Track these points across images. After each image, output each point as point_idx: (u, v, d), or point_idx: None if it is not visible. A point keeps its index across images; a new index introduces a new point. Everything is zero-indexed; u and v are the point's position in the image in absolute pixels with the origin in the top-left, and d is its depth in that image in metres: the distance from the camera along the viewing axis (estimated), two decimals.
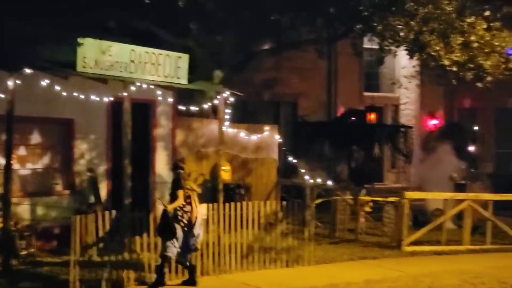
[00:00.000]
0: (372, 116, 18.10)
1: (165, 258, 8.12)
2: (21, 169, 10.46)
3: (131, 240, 8.51)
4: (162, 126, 11.88)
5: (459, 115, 19.53)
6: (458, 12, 11.86)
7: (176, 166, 8.54)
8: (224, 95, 11.32)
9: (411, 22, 11.41)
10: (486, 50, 12.01)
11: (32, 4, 9.80)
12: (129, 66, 10.16)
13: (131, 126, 10.09)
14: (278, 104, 17.42)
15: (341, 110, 17.66)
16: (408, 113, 19.02)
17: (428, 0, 11.47)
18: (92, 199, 10.63)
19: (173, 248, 8.10)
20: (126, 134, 9.91)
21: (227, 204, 9.33)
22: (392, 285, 8.69)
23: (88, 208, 10.12)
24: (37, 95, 10.05)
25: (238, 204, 9.39)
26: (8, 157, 9.01)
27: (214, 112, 12.20)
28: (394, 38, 11.89)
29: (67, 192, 10.73)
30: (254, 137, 13.27)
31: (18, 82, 9.05)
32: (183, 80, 11.07)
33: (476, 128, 19.59)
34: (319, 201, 12.36)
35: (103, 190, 10.93)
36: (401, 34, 11.53)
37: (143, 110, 11.54)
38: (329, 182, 13.45)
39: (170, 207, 8.13)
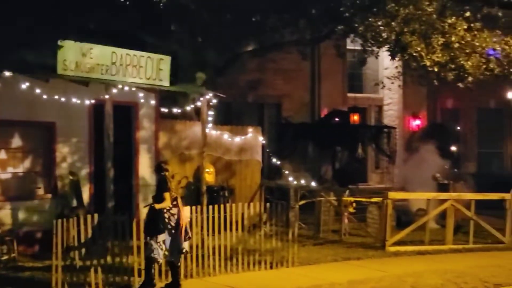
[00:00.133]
0: (355, 117, 18.17)
1: (151, 260, 8.08)
2: (2, 173, 10.34)
3: (114, 244, 8.46)
4: (145, 129, 11.82)
5: (442, 116, 19.67)
6: (439, 13, 11.94)
7: (160, 168, 8.47)
8: (207, 97, 11.31)
9: (392, 23, 11.48)
10: (467, 51, 12.10)
11: (11, 7, 9.68)
12: (111, 69, 10.11)
13: (114, 129, 10.04)
14: (262, 106, 17.42)
15: (325, 111, 17.70)
16: (391, 113, 19.11)
17: (409, 1, 11.53)
18: (74, 203, 10.55)
19: (159, 250, 8.07)
20: (108, 137, 9.87)
21: (210, 207, 9.31)
22: (376, 285, 8.72)
23: (70, 212, 10.01)
24: (17, 99, 9.96)
25: (222, 206, 9.37)
26: None
27: (197, 114, 12.16)
28: (375, 39, 11.94)
29: (49, 196, 10.62)
30: (238, 139, 13.25)
31: None
32: (166, 82, 11.04)
33: (458, 128, 19.75)
34: (303, 202, 12.39)
35: (86, 193, 10.84)
36: (383, 35, 11.58)
37: (126, 112, 11.47)
38: (313, 183, 13.49)
39: (158, 206, 8.09)
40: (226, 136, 13.09)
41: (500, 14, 13.20)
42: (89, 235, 8.20)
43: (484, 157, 20.00)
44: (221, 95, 11.99)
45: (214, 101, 11.75)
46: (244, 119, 15.65)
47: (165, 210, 8.15)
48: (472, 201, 12.13)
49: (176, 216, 8.23)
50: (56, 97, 10.16)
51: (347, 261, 10.30)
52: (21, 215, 10.25)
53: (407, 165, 16.00)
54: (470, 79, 12.36)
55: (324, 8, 12.44)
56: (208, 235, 9.15)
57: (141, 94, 11.12)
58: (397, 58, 12.88)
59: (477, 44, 12.15)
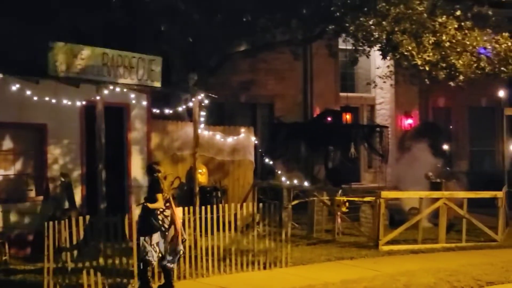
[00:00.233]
0: (348, 117, 18.19)
1: (146, 263, 8.06)
2: None
3: (106, 245, 8.42)
4: (137, 130, 11.78)
5: (434, 114, 19.74)
6: (430, 12, 11.98)
7: (152, 169, 8.44)
8: (199, 97, 11.28)
9: (383, 22, 11.50)
10: (458, 50, 12.14)
11: (0, 8, 9.64)
12: (102, 70, 10.06)
13: (105, 130, 10.00)
14: (254, 106, 17.42)
15: (317, 111, 17.72)
16: (383, 113, 19.16)
17: (399, 0, 11.56)
18: (66, 204, 10.50)
19: (153, 253, 8.05)
20: (100, 138, 9.82)
21: (203, 207, 9.28)
22: (369, 284, 8.72)
23: (62, 214, 9.96)
24: (8, 100, 9.91)
25: (215, 207, 9.36)
26: None
27: (189, 114, 12.15)
28: (367, 39, 11.97)
29: (40, 198, 10.57)
30: (230, 139, 13.23)
31: None
32: (157, 83, 11.00)
33: (450, 127, 19.82)
34: (296, 202, 12.38)
35: (78, 195, 10.79)
36: (374, 34, 11.61)
37: (117, 113, 11.43)
38: (306, 183, 13.49)
39: (150, 205, 8.06)
40: (218, 136, 13.07)
41: (490, 12, 13.27)
42: (81, 236, 8.16)
43: (476, 155, 20.08)
44: (213, 95, 11.98)
45: (206, 101, 11.74)
46: (236, 120, 15.65)
47: (158, 212, 8.12)
48: (465, 200, 12.16)
49: (169, 218, 8.22)
50: (47, 98, 10.12)
51: (341, 261, 10.30)
52: (13, 218, 10.19)
53: (399, 164, 16.05)
54: (461, 77, 12.41)
55: (315, 8, 12.45)
56: (201, 236, 9.13)
57: (132, 95, 11.08)
58: (388, 58, 12.92)
59: (468, 43, 12.20)
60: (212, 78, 13.77)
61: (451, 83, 12.70)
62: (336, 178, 15.68)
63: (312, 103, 17.86)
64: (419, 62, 11.82)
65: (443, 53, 12.04)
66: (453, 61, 12.08)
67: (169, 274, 8.34)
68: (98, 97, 9.89)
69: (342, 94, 18.29)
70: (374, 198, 11.81)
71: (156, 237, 8.09)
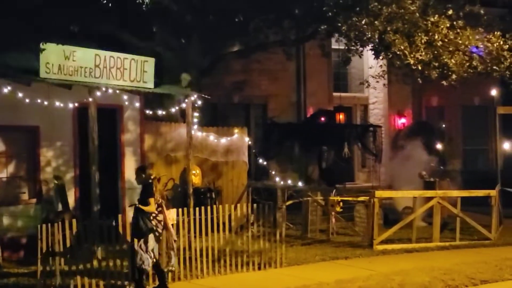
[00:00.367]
0: (341, 116, 18.19)
1: (142, 272, 8.04)
2: None
3: (100, 248, 8.39)
4: (130, 131, 11.75)
5: (427, 114, 19.78)
6: (422, 11, 12.00)
7: (144, 173, 8.38)
8: (192, 98, 11.27)
9: (376, 22, 11.51)
10: (450, 49, 12.17)
11: None
12: (94, 71, 10.03)
13: (98, 132, 9.97)
14: (248, 106, 17.40)
15: (310, 111, 17.73)
16: (377, 112, 19.19)
17: None
18: (60, 207, 10.45)
19: (149, 260, 8.05)
20: (93, 140, 9.79)
21: (197, 208, 9.26)
22: (363, 284, 8.73)
23: (56, 216, 9.92)
24: None
25: (209, 208, 9.34)
26: None
27: (183, 115, 12.12)
28: (359, 38, 11.98)
29: (33, 201, 10.52)
30: (224, 140, 13.21)
31: None
32: (150, 84, 10.99)
33: (443, 126, 19.87)
34: (290, 202, 12.38)
35: (71, 197, 10.75)
36: (367, 34, 11.62)
37: (110, 115, 11.39)
38: (300, 183, 13.49)
39: (143, 207, 8.03)
40: (212, 137, 13.04)
41: (482, 11, 13.30)
42: (74, 239, 8.12)
43: (469, 154, 20.14)
44: (206, 96, 11.96)
45: (199, 102, 11.72)
46: (230, 120, 15.62)
47: (151, 217, 8.11)
48: (458, 198, 12.19)
49: (162, 223, 8.22)
50: (39, 100, 10.07)
51: (335, 261, 10.30)
52: (6, 221, 10.14)
53: (393, 164, 16.07)
54: (454, 77, 12.44)
55: (307, 8, 12.46)
56: (195, 237, 9.11)
57: (125, 97, 11.05)
58: (381, 57, 12.93)
59: (460, 42, 12.23)
60: (205, 79, 13.75)
61: (444, 82, 12.73)
62: (330, 178, 15.69)
63: (305, 103, 17.86)
64: (412, 62, 11.84)
65: (435, 52, 12.07)
66: (445, 60, 12.11)
67: (163, 276, 8.32)
68: (90, 99, 9.86)
69: (335, 94, 18.31)
70: (368, 197, 11.82)
71: (152, 242, 8.07)
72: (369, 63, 17.26)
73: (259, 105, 17.48)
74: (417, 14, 11.79)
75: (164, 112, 12.29)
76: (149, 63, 10.91)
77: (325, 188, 13.48)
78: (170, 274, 8.62)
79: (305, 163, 16.80)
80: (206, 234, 9.23)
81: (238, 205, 9.94)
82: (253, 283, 8.91)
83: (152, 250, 8.09)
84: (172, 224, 8.65)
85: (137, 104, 11.58)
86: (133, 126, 11.79)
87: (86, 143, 10.14)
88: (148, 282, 8.39)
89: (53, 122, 10.58)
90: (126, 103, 11.30)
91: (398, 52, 11.77)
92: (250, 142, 13.96)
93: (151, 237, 8.04)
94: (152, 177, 8.33)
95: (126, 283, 8.16)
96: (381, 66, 14.80)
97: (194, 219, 9.12)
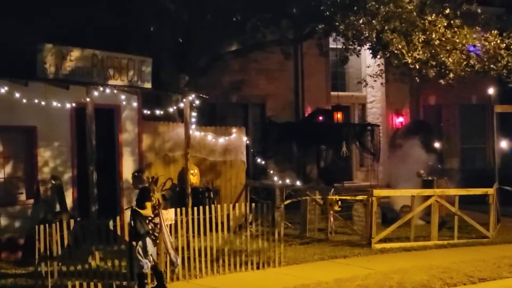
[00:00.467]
0: (339, 116, 18.18)
1: (142, 277, 8.04)
2: None
3: (98, 248, 8.38)
4: (128, 131, 11.73)
5: (425, 112, 19.80)
6: (419, 10, 12.03)
7: (141, 177, 8.36)
8: (190, 98, 11.26)
9: (373, 21, 11.53)
10: (448, 48, 12.20)
11: None
12: (91, 71, 10.01)
13: (96, 132, 9.96)
14: (246, 106, 17.39)
15: (308, 110, 17.73)
16: (374, 111, 19.20)
17: None
18: (57, 207, 10.43)
19: (148, 264, 8.06)
20: (91, 140, 9.78)
21: (196, 208, 9.25)
22: (362, 283, 8.73)
23: (53, 217, 9.90)
24: None
25: (207, 207, 9.33)
26: None
27: (181, 115, 12.12)
28: (357, 37, 11.99)
29: (31, 201, 10.49)
30: (222, 140, 13.21)
31: None
32: (147, 84, 10.97)
33: (441, 124, 19.89)
34: (288, 201, 12.38)
35: (69, 198, 10.73)
36: (364, 33, 11.63)
37: (108, 115, 11.38)
38: (298, 183, 13.49)
39: (139, 210, 8.02)
40: (210, 137, 13.04)
41: (479, 10, 13.34)
42: (71, 239, 8.11)
43: (467, 152, 20.16)
44: (204, 96, 11.95)
45: (197, 102, 11.71)
46: (228, 120, 15.62)
47: (147, 221, 8.10)
48: (456, 197, 12.20)
49: (158, 226, 8.22)
50: (37, 100, 10.05)
51: (334, 260, 10.30)
52: (3, 222, 10.11)
53: (391, 162, 16.09)
54: (451, 75, 12.47)
55: (305, 7, 12.47)
56: (193, 237, 9.10)
57: (123, 97, 11.03)
58: (378, 56, 12.96)
59: (457, 40, 12.26)
60: (203, 79, 13.75)
61: (442, 81, 12.76)
62: (328, 177, 15.69)
63: (303, 102, 17.86)
64: (409, 61, 11.86)
65: (433, 51, 12.10)
66: (443, 59, 12.14)
67: (161, 276, 8.32)
68: (88, 99, 9.84)
69: (333, 93, 18.31)
70: (366, 196, 11.82)
71: (150, 247, 8.07)
72: (367, 62, 17.29)
73: (257, 104, 17.48)
74: (415, 13, 11.81)
75: (162, 112, 12.28)
76: (147, 62, 10.90)
77: (323, 187, 13.48)
78: (168, 274, 8.61)
79: (303, 162, 16.81)
80: (205, 233, 9.22)
81: (237, 204, 9.94)
82: (252, 283, 8.91)
83: (151, 254, 8.08)
84: (171, 224, 8.65)
85: (135, 104, 11.57)
86: (131, 126, 11.78)
87: (83, 143, 10.12)
88: (147, 281, 8.38)
89: (50, 122, 10.56)
90: (124, 103, 11.29)
91: (395, 51, 11.79)
92: (248, 142, 13.96)
93: (149, 241, 8.03)
94: (149, 180, 8.31)
95: (132, 283, 8.15)
96: (378, 65, 14.83)
97: (193, 219, 9.11)
